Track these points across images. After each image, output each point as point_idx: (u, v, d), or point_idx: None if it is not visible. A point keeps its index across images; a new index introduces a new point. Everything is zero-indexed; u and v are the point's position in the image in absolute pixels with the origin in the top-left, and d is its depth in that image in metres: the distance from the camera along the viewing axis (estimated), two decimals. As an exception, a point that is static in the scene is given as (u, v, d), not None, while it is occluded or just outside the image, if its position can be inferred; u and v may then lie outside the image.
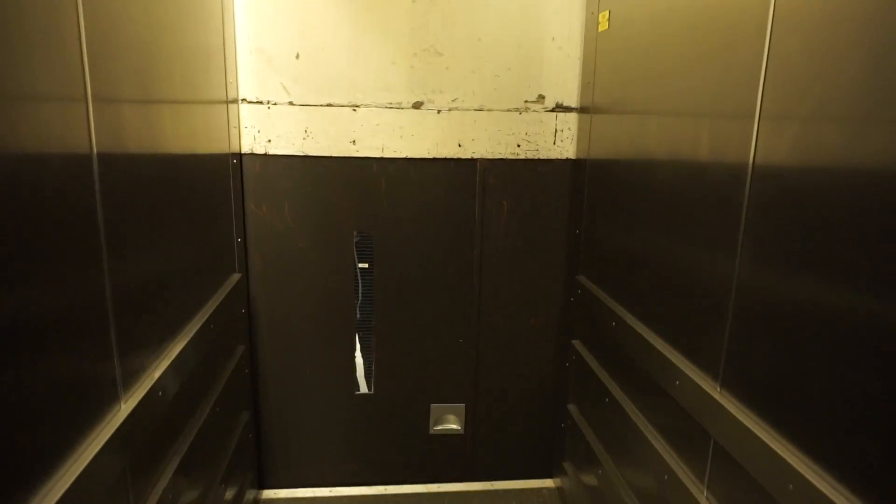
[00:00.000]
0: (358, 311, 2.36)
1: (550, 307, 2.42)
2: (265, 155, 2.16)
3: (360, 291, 2.35)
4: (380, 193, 2.24)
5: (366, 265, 2.34)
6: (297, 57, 2.08)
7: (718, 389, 1.28)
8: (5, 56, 0.80)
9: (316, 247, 2.26)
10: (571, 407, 2.35)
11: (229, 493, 2.01)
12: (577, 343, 2.27)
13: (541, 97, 2.21)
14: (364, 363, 2.45)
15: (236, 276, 2.09)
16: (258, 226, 2.21)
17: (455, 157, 2.23)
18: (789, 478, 1.02)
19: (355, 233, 2.28)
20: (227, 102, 2.01)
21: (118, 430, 1.10)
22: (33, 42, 0.87)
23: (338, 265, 2.29)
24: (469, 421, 2.51)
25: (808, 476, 0.98)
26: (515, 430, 2.55)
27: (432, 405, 2.48)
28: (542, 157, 2.26)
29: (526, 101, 2.21)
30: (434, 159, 2.22)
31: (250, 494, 2.32)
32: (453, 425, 2.53)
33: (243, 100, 2.11)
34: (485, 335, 2.42)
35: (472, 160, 2.24)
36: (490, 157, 2.24)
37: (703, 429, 1.33)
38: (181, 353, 1.45)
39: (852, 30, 0.91)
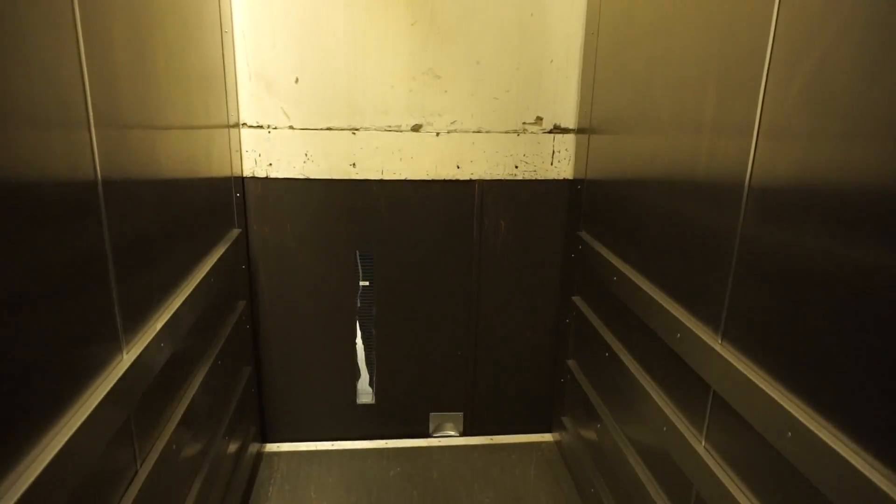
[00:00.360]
0: (358, 326, 2.41)
1: (547, 318, 2.48)
2: (266, 178, 2.18)
3: (359, 304, 2.38)
4: (380, 214, 2.27)
5: (367, 283, 2.36)
6: (297, 81, 2.10)
7: (720, 341, 1.29)
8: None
9: (318, 264, 2.31)
10: (571, 362, 2.36)
11: (233, 446, 2.03)
12: (577, 299, 2.27)
13: (539, 119, 2.23)
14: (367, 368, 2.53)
15: (236, 231, 2.11)
16: (261, 245, 2.25)
17: (453, 178, 2.25)
18: (788, 426, 1.04)
19: (357, 252, 2.30)
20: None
21: (120, 379, 1.11)
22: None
23: (339, 282, 2.33)
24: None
25: (807, 423, 0.99)
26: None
27: (431, 414, 2.57)
28: (539, 178, 2.29)
29: (524, 123, 2.23)
30: (433, 181, 2.25)
31: (253, 447, 2.34)
32: (451, 431, 2.61)
33: (244, 124, 2.13)
34: (482, 345, 2.49)
35: (471, 181, 2.26)
36: (488, 178, 2.26)
37: (703, 380, 1.35)
38: (182, 305, 1.47)
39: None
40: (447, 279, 2.37)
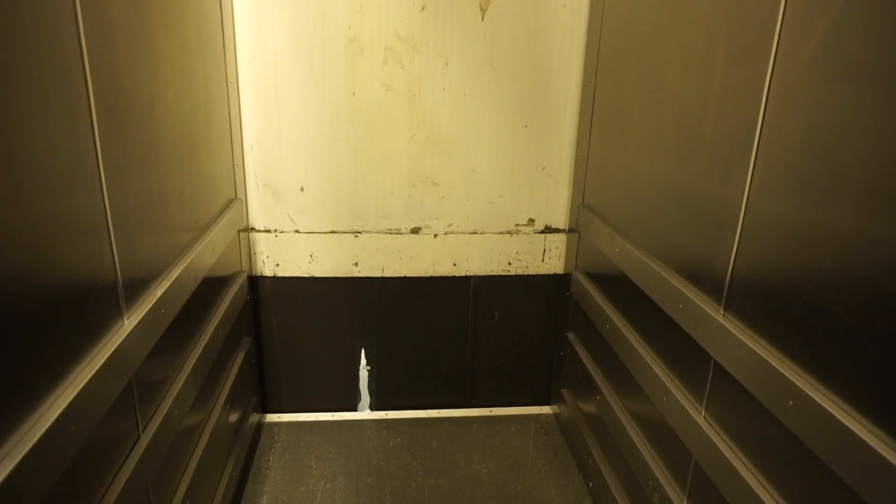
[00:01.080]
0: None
1: (539, 388, 2.65)
2: (274, 277, 2.32)
3: (362, 390, 2.56)
4: (381, 307, 2.42)
5: (368, 368, 2.52)
6: (302, 190, 2.23)
7: (722, 312, 1.30)
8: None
9: (321, 351, 2.46)
10: (570, 335, 2.39)
11: (233, 416, 2.07)
12: (577, 273, 2.30)
13: (531, 220, 2.36)
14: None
15: (235, 201, 2.14)
16: (269, 335, 2.41)
17: (450, 275, 2.39)
18: (790, 394, 1.04)
19: (359, 341, 2.46)
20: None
21: (121, 344, 1.11)
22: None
23: (342, 367, 2.50)
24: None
25: (809, 392, 1.00)
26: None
27: None
28: (531, 273, 2.42)
29: (517, 225, 2.36)
30: (431, 277, 2.39)
31: (254, 418, 2.38)
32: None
33: (252, 228, 2.26)
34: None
35: (467, 277, 2.41)
36: (483, 274, 2.40)
37: (704, 351, 1.36)
38: (182, 273, 1.47)
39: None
40: (443, 361, 2.54)
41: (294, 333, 2.42)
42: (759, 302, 1.17)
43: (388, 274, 2.36)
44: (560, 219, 2.37)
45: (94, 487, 1.08)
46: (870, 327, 0.90)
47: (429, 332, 2.48)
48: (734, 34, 1.26)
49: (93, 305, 1.06)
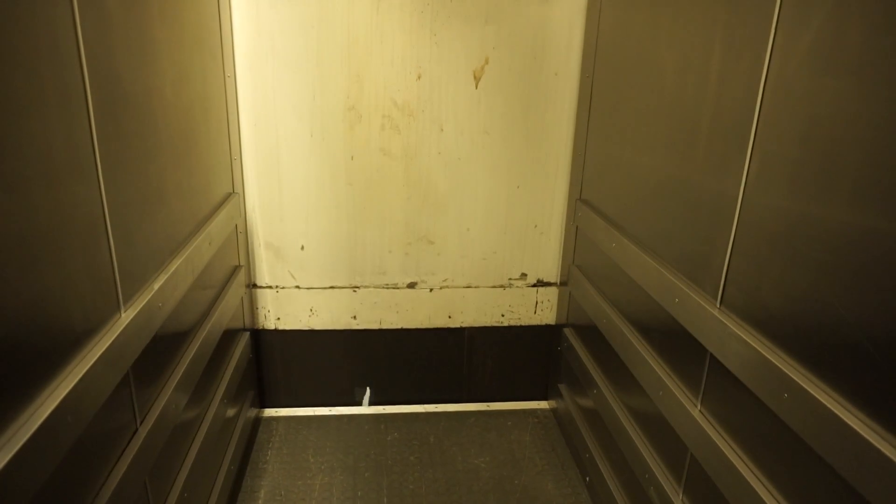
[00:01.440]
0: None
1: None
2: (275, 330, 2.40)
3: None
4: (378, 357, 2.50)
5: (367, 411, 2.61)
6: (302, 248, 2.31)
7: (718, 306, 1.31)
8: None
9: (321, 395, 2.56)
10: (567, 330, 2.41)
11: (231, 410, 2.06)
12: (574, 268, 2.33)
13: (523, 275, 2.44)
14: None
15: (233, 196, 2.14)
16: (272, 383, 2.50)
17: (445, 326, 2.48)
18: (785, 387, 1.06)
19: (361, 389, 2.54)
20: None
21: (118, 337, 1.11)
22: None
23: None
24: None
25: (804, 385, 1.01)
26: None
27: None
28: (523, 325, 2.51)
29: (510, 279, 2.44)
30: (426, 329, 2.47)
31: (251, 412, 2.37)
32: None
33: (254, 285, 2.34)
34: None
35: (461, 329, 2.49)
36: (476, 325, 2.49)
37: (700, 344, 1.36)
38: (179, 267, 1.47)
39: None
40: (439, 404, 2.63)
41: (294, 386, 2.50)
42: (755, 296, 1.18)
43: (385, 326, 2.45)
44: (551, 273, 2.45)
45: (91, 479, 1.08)
46: (864, 320, 0.91)
47: (424, 378, 2.56)
48: (731, 27, 1.26)
49: (89, 298, 1.06)
